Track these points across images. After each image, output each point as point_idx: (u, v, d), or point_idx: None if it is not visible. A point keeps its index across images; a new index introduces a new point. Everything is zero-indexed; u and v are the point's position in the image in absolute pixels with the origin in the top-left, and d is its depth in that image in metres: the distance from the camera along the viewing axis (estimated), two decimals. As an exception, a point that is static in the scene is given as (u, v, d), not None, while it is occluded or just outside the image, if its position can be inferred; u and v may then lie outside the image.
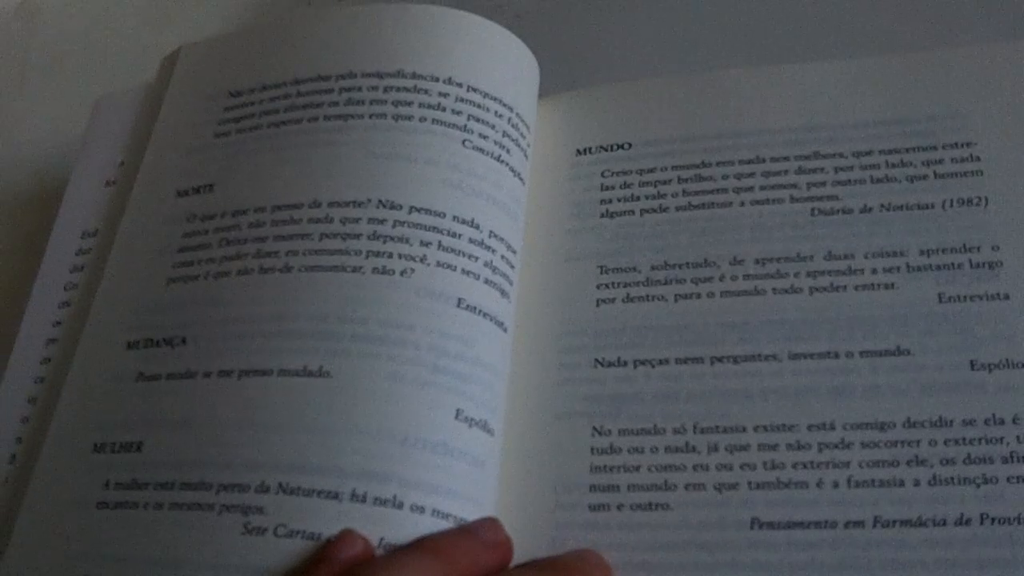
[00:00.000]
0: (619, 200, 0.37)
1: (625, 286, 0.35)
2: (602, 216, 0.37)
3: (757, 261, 0.34)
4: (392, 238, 0.33)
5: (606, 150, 0.38)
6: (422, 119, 0.35)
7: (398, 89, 0.36)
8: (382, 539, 0.28)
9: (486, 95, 0.36)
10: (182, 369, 0.32)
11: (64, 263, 0.39)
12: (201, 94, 0.39)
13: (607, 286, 0.35)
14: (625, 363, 0.33)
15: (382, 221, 0.33)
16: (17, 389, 0.36)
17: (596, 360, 0.34)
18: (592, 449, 0.32)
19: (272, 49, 0.39)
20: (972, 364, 0.31)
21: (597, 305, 0.35)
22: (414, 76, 0.36)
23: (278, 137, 0.36)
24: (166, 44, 0.52)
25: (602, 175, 0.38)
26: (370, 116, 0.35)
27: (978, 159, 0.35)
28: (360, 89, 0.36)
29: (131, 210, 0.38)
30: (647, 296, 0.35)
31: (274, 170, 0.35)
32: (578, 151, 0.38)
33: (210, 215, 0.35)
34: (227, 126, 0.38)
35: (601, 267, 0.36)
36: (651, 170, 0.37)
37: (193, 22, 0.53)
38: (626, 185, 0.37)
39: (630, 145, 0.38)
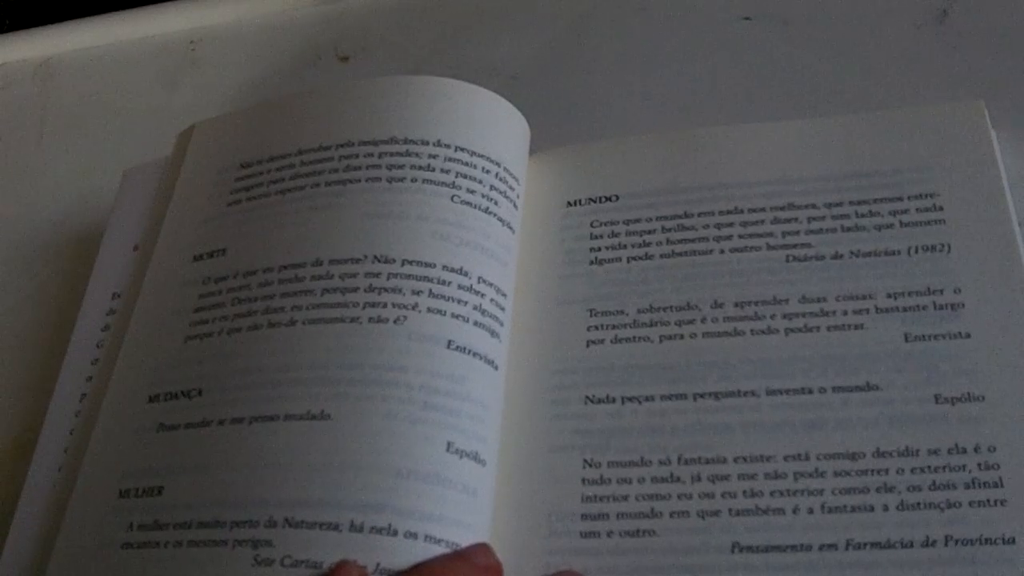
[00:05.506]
0: (607, 248, 0.38)
1: (613, 328, 0.36)
2: (591, 263, 0.38)
3: (736, 304, 0.36)
4: (386, 289, 0.34)
5: (595, 202, 0.40)
6: (413, 179, 0.37)
7: (391, 154, 0.38)
8: (378, 564, 0.30)
9: (473, 153, 0.38)
10: (199, 418, 0.34)
11: (97, 322, 0.41)
12: (214, 167, 0.41)
13: (596, 328, 0.36)
14: (614, 400, 0.35)
15: (377, 275, 0.35)
16: (54, 441, 0.38)
17: (586, 397, 0.35)
18: (583, 480, 0.33)
19: (278, 123, 0.41)
20: (936, 398, 0.32)
21: (587, 346, 0.36)
22: (406, 141, 0.38)
23: (284, 203, 0.38)
24: (177, 103, 0.54)
25: (591, 225, 0.39)
26: (366, 180, 0.37)
27: (941, 208, 0.36)
28: (357, 156, 0.38)
29: (152, 274, 0.39)
30: (634, 337, 0.36)
31: (280, 233, 0.37)
32: (568, 203, 0.40)
33: (223, 277, 0.37)
34: (238, 195, 0.40)
35: (591, 310, 0.37)
36: (637, 220, 0.39)
37: (202, 83, 0.55)
38: (614, 234, 0.39)
39: (617, 197, 0.39)
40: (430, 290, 0.35)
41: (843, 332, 0.34)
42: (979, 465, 0.31)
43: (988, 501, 0.30)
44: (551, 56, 0.50)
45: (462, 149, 0.38)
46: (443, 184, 0.37)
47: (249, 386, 0.34)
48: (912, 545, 0.30)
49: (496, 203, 0.38)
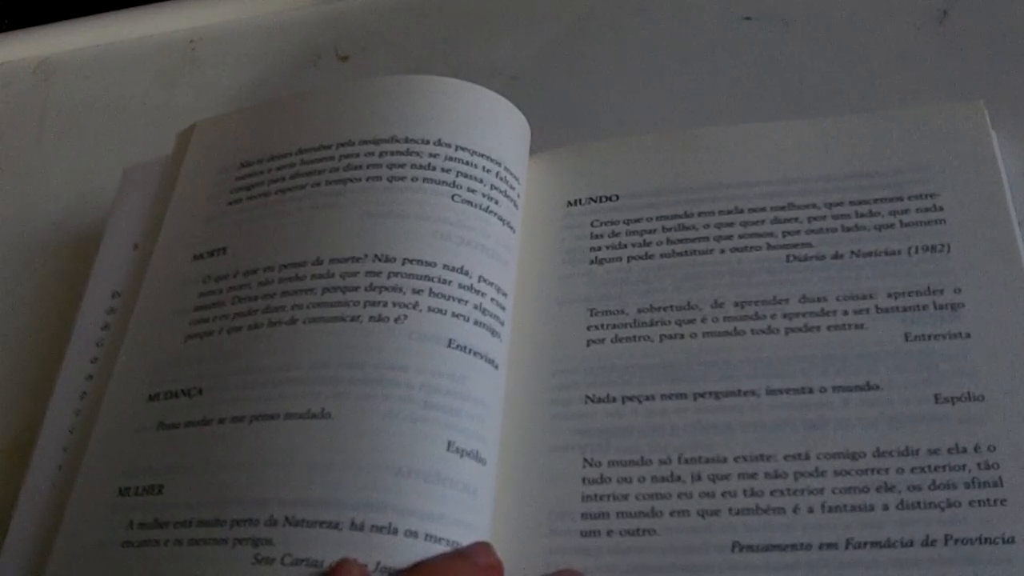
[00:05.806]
0: (608, 248, 0.38)
1: (613, 327, 0.36)
2: (592, 263, 0.38)
3: (736, 304, 0.36)
4: (387, 288, 0.35)
5: (595, 201, 0.40)
6: (414, 179, 0.37)
7: (392, 153, 0.38)
8: (379, 563, 0.30)
9: (473, 152, 0.38)
10: (199, 417, 0.34)
11: (97, 321, 0.41)
12: (214, 166, 0.41)
13: (597, 327, 0.37)
14: (614, 399, 0.35)
15: (377, 273, 0.35)
16: (54, 439, 0.38)
17: (587, 396, 0.35)
18: (583, 479, 0.34)
19: (279, 123, 0.41)
20: (936, 398, 0.33)
21: (587, 345, 0.36)
22: (406, 140, 0.38)
23: (284, 202, 0.38)
24: (177, 103, 0.54)
25: (592, 225, 0.39)
26: (367, 179, 0.38)
27: (941, 209, 0.36)
28: (358, 155, 0.38)
29: (152, 273, 0.40)
30: (634, 337, 0.36)
31: (281, 232, 0.37)
32: (569, 202, 0.40)
33: (223, 276, 0.37)
34: (239, 194, 0.40)
35: (591, 310, 0.37)
36: (637, 220, 0.39)
37: (201, 82, 0.55)
38: (614, 234, 0.39)
39: (618, 197, 0.40)
40: (431, 289, 0.35)
41: (843, 332, 0.34)
42: (979, 465, 0.31)
43: (988, 501, 0.31)
44: (551, 56, 0.50)
45: (463, 148, 0.38)
46: (444, 183, 0.37)
47: (250, 385, 0.34)
48: (912, 544, 0.30)
49: (497, 202, 0.38)
